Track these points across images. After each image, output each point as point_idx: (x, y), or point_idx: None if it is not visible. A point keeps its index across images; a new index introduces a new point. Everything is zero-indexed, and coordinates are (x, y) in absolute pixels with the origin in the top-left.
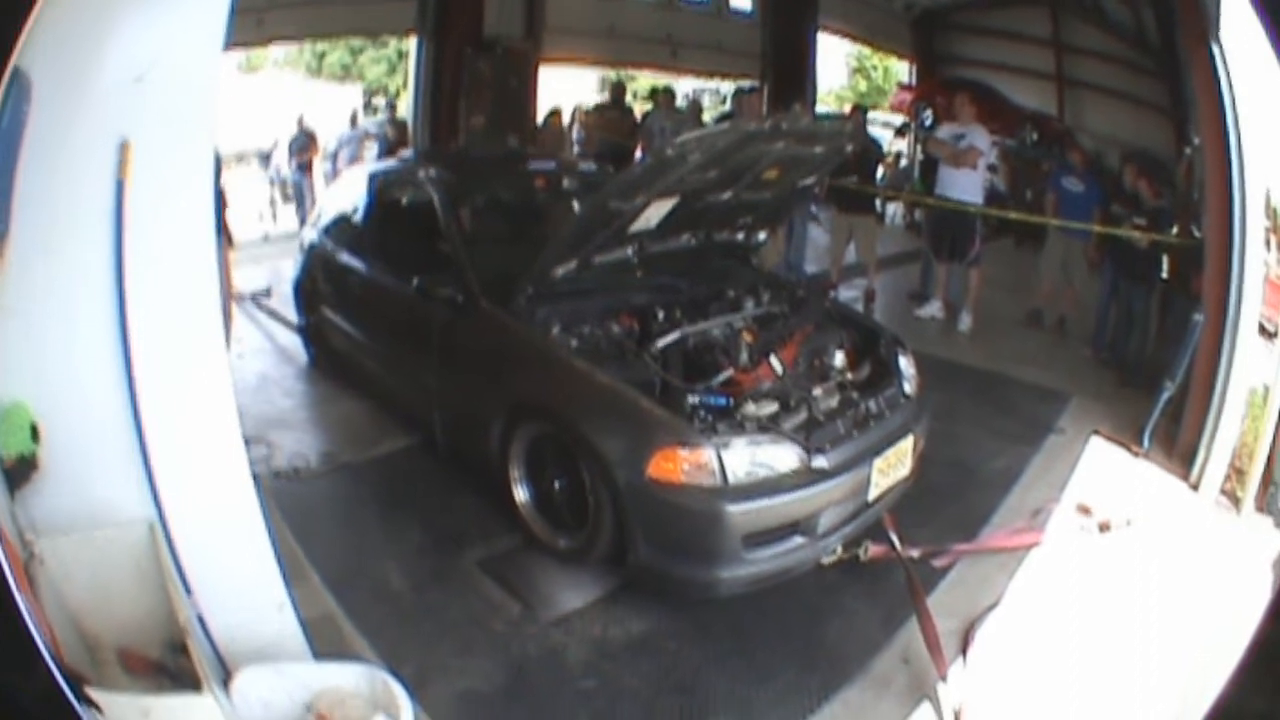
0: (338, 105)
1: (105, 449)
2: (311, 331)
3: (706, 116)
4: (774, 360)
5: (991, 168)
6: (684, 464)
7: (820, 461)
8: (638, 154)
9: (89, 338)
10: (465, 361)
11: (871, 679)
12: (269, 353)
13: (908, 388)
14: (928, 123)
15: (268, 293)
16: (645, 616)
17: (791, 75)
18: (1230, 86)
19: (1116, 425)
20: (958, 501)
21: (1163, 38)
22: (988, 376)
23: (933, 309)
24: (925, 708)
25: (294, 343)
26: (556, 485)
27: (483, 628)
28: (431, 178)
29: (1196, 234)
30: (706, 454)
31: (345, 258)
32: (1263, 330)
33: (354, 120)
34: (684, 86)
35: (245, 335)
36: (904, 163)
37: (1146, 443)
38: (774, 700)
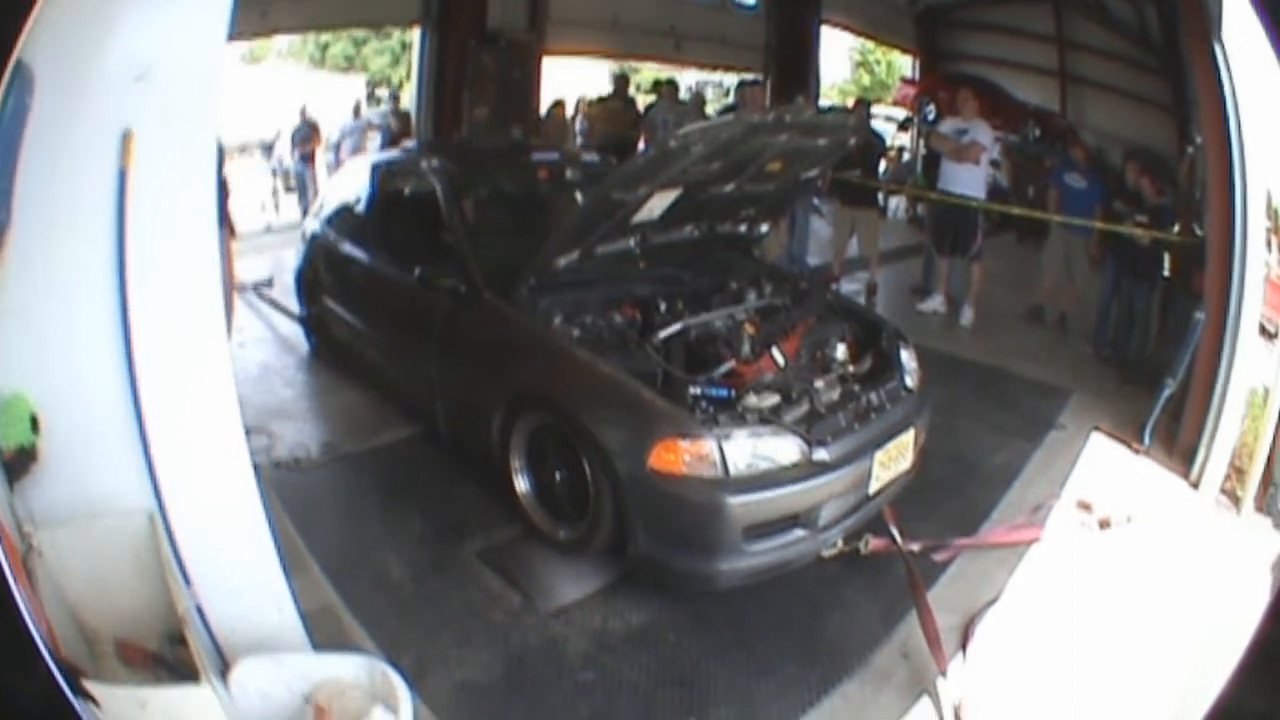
0: (341, 96)
1: (105, 440)
2: (313, 321)
3: (709, 109)
4: (776, 352)
5: (994, 163)
6: (685, 455)
7: (821, 454)
8: (640, 146)
9: (90, 328)
10: (467, 352)
11: (871, 673)
12: (270, 343)
13: (909, 381)
14: (930, 117)
15: (269, 283)
16: (645, 608)
17: (795, 69)
18: (1232, 86)
19: (1117, 422)
20: (958, 496)
21: (1165, 36)
22: (989, 371)
23: (935, 303)
24: (925, 703)
25: (295, 333)
26: (557, 476)
27: (482, 619)
28: (434, 168)
29: (1198, 232)
30: (708, 445)
31: (347, 248)
32: (1263, 331)
33: (357, 111)
34: (687, 79)
35: (247, 325)
36: (907, 157)
37: (1147, 440)
38: (774, 693)
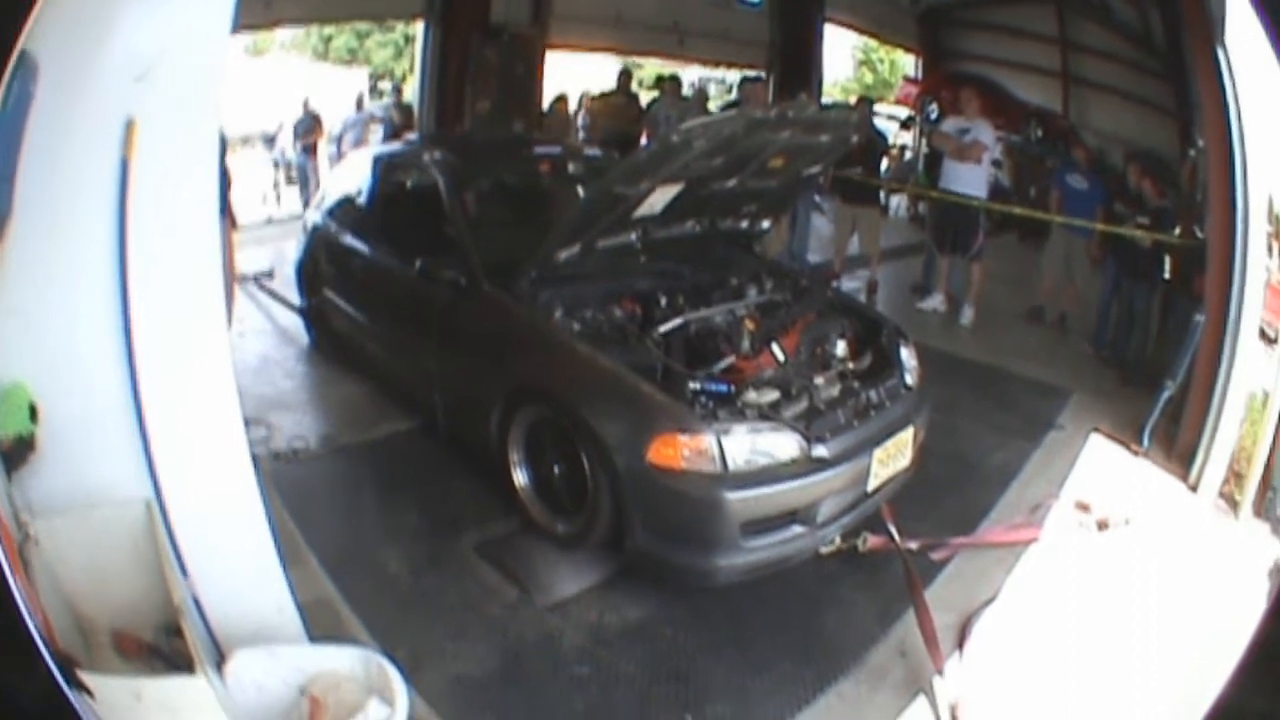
0: (344, 89)
1: (104, 430)
2: (313, 313)
3: (712, 106)
4: (776, 348)
5: (996, 163)
6: (684, 450)
7: (820, 450)
8: (643, 141)
9: (90, 318)
10: (467, 344)
11: (868, 671)
12: (270, 334)
13: (909, 379)
14: (933, 116)
15: (270, 274)
16: (642, 603)
17: (798, 66)
18: (1235, 91)
19: (1116, 423)
20: (957, 495)
21: (1169, 39)
22: (989, 371)
23: (935, 302)
24: (921, 702)
25: (295, 324)
26: (556, 469)
27: (479, 612)
28: (436, 161)
29: (1199, 235)
30: (707, 440)
31: (348, 240)
32: (1263, 335)
33: (359, 104)
34: (690, 75)
35: (247, 316)
36: (909, 155)
37: (1146, 442)
38: (770, 690)
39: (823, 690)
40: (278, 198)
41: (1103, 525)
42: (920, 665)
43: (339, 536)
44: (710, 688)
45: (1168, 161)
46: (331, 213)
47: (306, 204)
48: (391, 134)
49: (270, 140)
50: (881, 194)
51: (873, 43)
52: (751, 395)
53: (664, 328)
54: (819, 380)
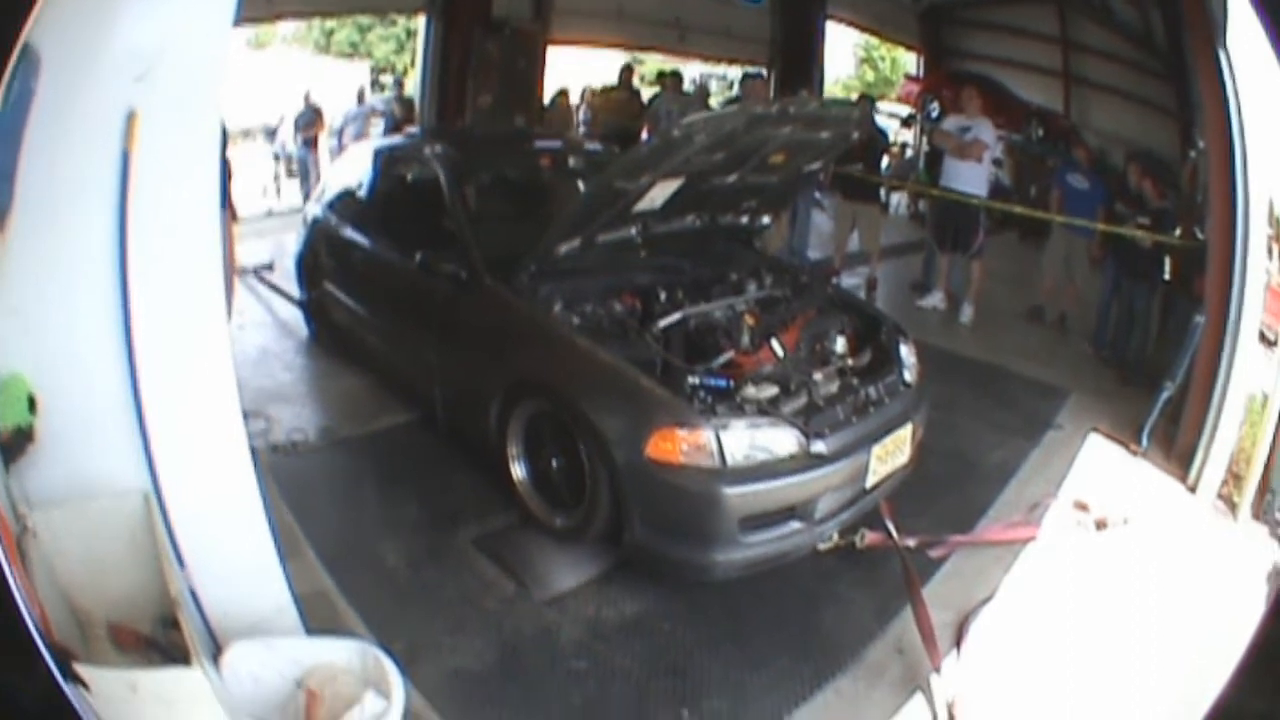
0: (345, 82)
1: (103, 421)
2: (313, 306)
3: (713, 102)
4: (775, 344)
5: (996, 161)
6: (682, 444)
7: (819, 446)
8: (643, 137)
9: (90, 309)
10: (466, 337)
11: (865, 668)
12: (270, 326)
13: (908, 376)
14: (934, 114)
15: (270, 267)
16: (640, 597)
17: (800, 63)
18: (1236, 93)
19: (1115, 423)
20: (955, 492)
21: (1170, 40)
22: (988, 369)
23: (934, 299)
24: (918, 699)
25: (295, 317)
26: (554, 463)
27: (476, 606)
28: (437, 154)
29: (1199, 236)
30: (705, 435)
31: (349, 233)
32: (1263, 338)
33: (361, 97)
34: (691, 71)
35: (246, 309)
36: (909, 153)
37: (1145, 442)
38: (767, 687)
39: (820, 687)
40: (278, 190)
41: (1101, 525)
42: (918, 663)
43: (337, 529)
44: (707, 683)
45: (1168, 162)
46: (332, 206)
47: (307, 197)
48: (393, 128)
49: (271, 133)
50: (882, 191)
51: (874, 40)
52: (750, 390)
53: (663, 322)
54: (818, 376)
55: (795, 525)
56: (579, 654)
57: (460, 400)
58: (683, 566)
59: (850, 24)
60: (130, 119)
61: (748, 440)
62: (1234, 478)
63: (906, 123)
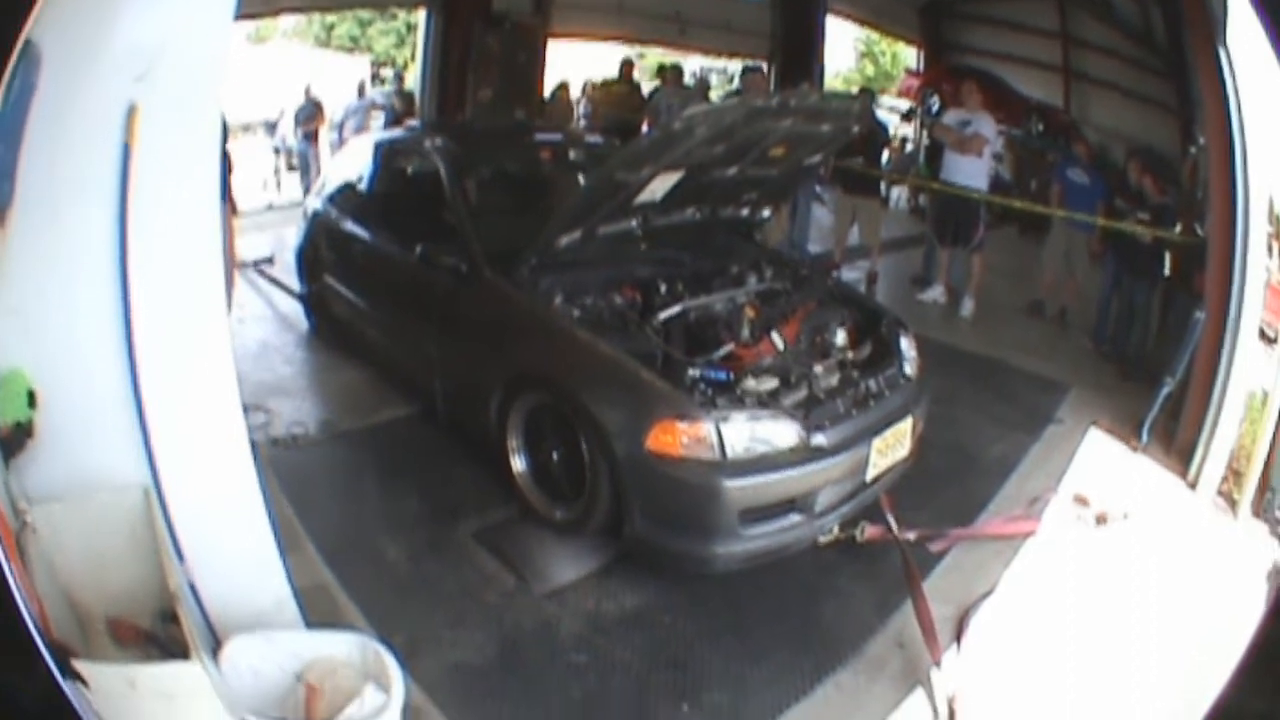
0: (345, 76)
1: (103, 415)
2: (313, 299)
3: (714, 96)
4: (775, 336)
5: (997, 156)
6: (683, 437)
7: (819, 439)
8: (644, 130)
9: (90, 303)
10: (467, 330)
11: (865, 662)
12: (270, 320)
13: (908, 369)
14: (934, 109)
15: (270, 260)
16: (640, 590)
17: (800, 57)
18: (1236, 91)
19: (1116, 418)
20: (955, 486)
21: (1170, 37)
22: (988, 363)
23: (935, 293)
24: (918, 694)
25: (295, 310)
26: (554, 456)
27: (476, 599)
28: (438, 147)
29: (1199, 233)
30: (705, 428)
31: (349, 226)
32: (1263, 335)
33: (361, 91)
34: (691, 65)
35: (247, 302)
36: (909, 147)
37: (1145, 437)
38: (767, 680)
39: (820, 680)
40: (278, 184)
41: (1101, 520)
42: (918, 657)
43: (337, 523)
44: (708, 676)
45: (1169, 159)
46: (332, 199)
47: (307, 190)
48: (393, 121)
49: (271, 127)
50: (882, 185)
51: (875, 35)
52: (751, 383)
53: (664, 315)
54: (818, 369)
55: (795, 518)
56: (579, 647)
57: (460, 393)
58: (683, 559)
59: (850, 18)
60: (131, 113)
61: (748, 433)
62: (1234, 475)
63: (907, 117)
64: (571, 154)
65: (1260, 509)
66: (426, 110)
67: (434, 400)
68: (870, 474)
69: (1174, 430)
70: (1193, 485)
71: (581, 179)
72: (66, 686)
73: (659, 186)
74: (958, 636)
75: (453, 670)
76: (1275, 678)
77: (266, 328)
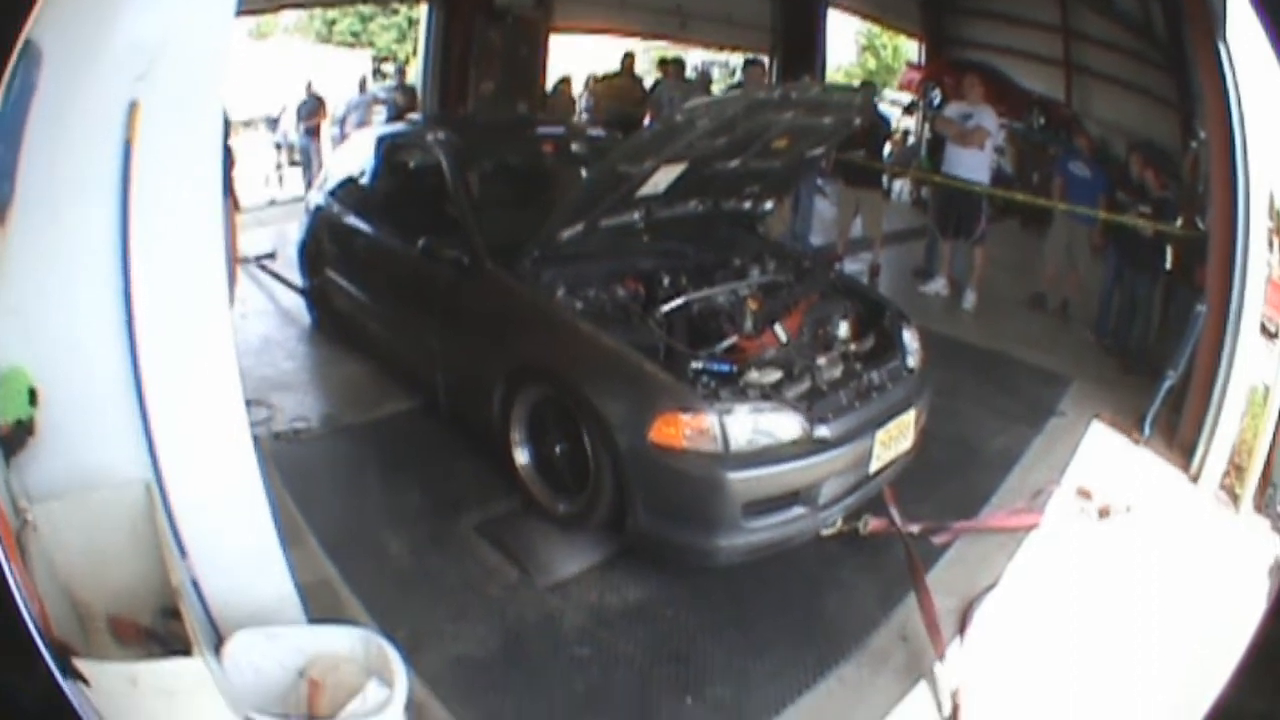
0: (347, 71)
1: (105, 411)
2: (315, 294)
3: (715, 89)
4: (778, 328)
5: (998, 149)
6: (686, 429)
7: (822, 431)
8: (646, 123)
9: (92, 299)
10: (469, 324)
11: (869, 655)
12: (272, 315)
13: (911, 361)
14: (935, 101)
15: (272, 255)
16: (643, 584)
17: (801, 50)
18: (1236, 86)
19: (1118, 411)
20: (958, 479)
21: (1170, 31)
22: (990, 355)
23: (937, 286)
24: (922, 687)
25: (297, 305)
26: (557, 449)
27: (479, 593)
28: (440, 141)
29: (1200, 226)
30: (709, 420)
31: (351, 220)
32: (1264, 330)
33: (363, 86)
34: (693, 59)
35: (249, 297)
36: (911, 140)
37: (1147, 431)
38: (770, 674)
39: (823, 674)
40: (280, 179)
41: (1104, 513)
42: (922, 650)
43: (339, 517)
44: (711, 669)
45: (1170, 152)
46: (334, 193)
47: (309, 185)
48: (395, 116)
49: (273, 123)
50: (884, 178)
51: (876, 28)
52: (754, 375)
53: (667, 307)
54: (821, 361)
55: (799, 510)
56: (582, 640)
57: (463, 386)
58: (686, 552)
59: (852, 11)
60: (132, 109)
61: (751, 425)
62: (1236, 469)
63: (909, 110)
64: (574, 147)
65: (1262, 504)
66: (428, 105)
67: (436, 394)
68: (873, 466)
69: (1176, 424)
70: (1195, 479)
71: (584, 172)
72: (66, 686)
73: (661, 179)
74: (961, 629)
75: (455, 664)
76: (1275, 678)
77: (268, 322)
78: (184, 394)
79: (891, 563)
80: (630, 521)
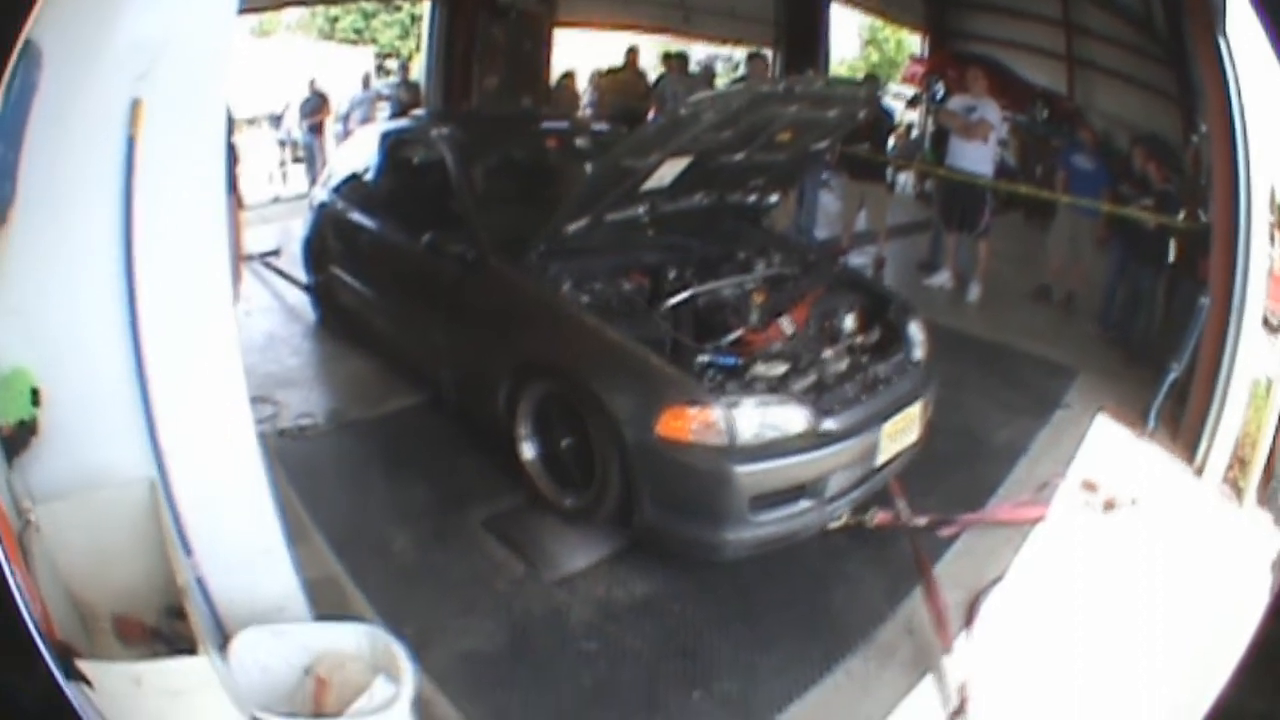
0: (350, 68)
1: (109, 410)
2: (320, 290)
3: (719, 83)
4: (784, 322)
5: (1002, 142)
6: (693, 423)
7: (829, 424)
8: (650, 117)
9: (94, 299)
10: (474, 319)
11: (876, 649)
12: (277, 311)
13: (917, 353)
14: (939, 95)
15: (276, 253)
16: (650, 578)
17: (805, 44)
18: (1236, 80)
19: (1123, 403)
20: (964, 471)
21: (1170, 26)
22: (995, 348)
23: (942, 278)
24: (929, 680)
25: (302, 302)
26: (564, 443)
27: (486, 587)
28: (444, 136)
29: (1203, 219)
30: (715, 413)
31: (356, 216)
32: (1266, 324)
33: (366, 82)
34: (697, 53)
35: (253, 295)
36: (915, 133)
37: (1152, 423)
38: (777, 668)
39: (830, 668)
40: (284, 177)
41: (1109, 506)
42: (928, 643)
43: (345, 513)
44: (718, 664)
45: (1172, 146)
46: (339, 189)
47: (313, 182)
48: (398, 112)
49: (276, 120)
50: (888, 171)
51: (879, 22)
52: (760, 368)
53: (672, 301)
54: (827, 354)
55: (805, 504)
56: (589, 635)
57: (469, 381)
58: (693, 546)
59: (855, 5)
60: (135, 106)
61: (758, 418)
62: (1239, 462)
63: (912, 103)
64: (578, 141)
65: (1265, 498)
66: (432, 101)
67: (442, 389)
68: (880, 459)
69: (1181, 416)
70: (1199, 472)
71: (588, 166)
72: (69, 689)
73: (666, 172)
74: (968, 622)
75: (462, 659)
76: (1275, 678)
77: (273, 319)
78: (189, 391)
79: (898, 556)
80: (637, 515)
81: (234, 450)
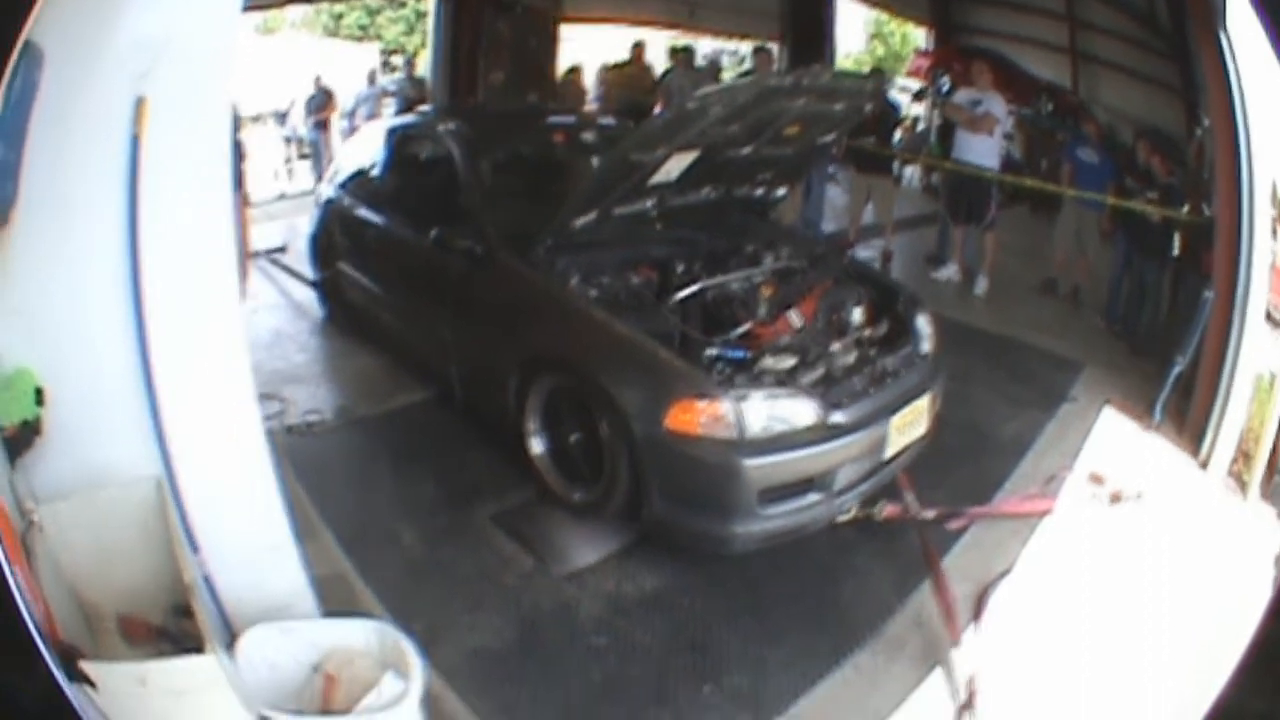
0: (355, 65)
1: (115, 408)
2: (327, 286)
3: (725, 77)
4: (792, 315)
5: (1007, 135)
6: (701, 416)
7: (837, 417)
8: (656, 111)
9: (100, 297)
10: (482, 314)
11: (884, 642)
12: (284, 308)
13: (925, 346)
14: (945, 88)
15: (283, 249)
16: (659, 572)
17: (810, 38)
18: (1238, 75)
19: (1128, 396)
20: (971, 464)
21: (1173, 21)
22: (1002, 341)
23: (949, 271)
24: (938, 673)
25: (309, 298)
26: (572, 438)
27: (495, 582)
28: (451, 131)
29: (1207, 212)
30: (724, 406)
31: (362, 211)
32: (1269, 318)
33: (372, 79)
34: (703, 48)
35: (260, 291)
36: (921, 127)
37: (1158, 416)
38: (786, 662)
39: (839, 662)
40: (290, 173)
41: (1115, 499)
42: (937, 636)
43: (353, 510)
44: (727, 658)
45: (1176, 139)
46: (345, 186)
47: (319, 179)
48: (404, 108)
49: (282, 117)
50: (895, 164)
51: (884, 16)
52: (769, 361)
53: (681, 294)
54: (836, 347)
55: (814, 497)
56: (598, 630)
57: (477, 377)
58: (702, 539)
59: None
60: (139, 105)
61: (766, 411)
62: (1244, 456)
63: (918, 96)
64: (585, 136)
65: (1269, 492)
66: (438, 97)
67: (450, 384)
68: (888, 452)
69: (1186, 410)
70: (1204, 466)
71: (595, 161)
72: (72, 690)
73: (674, 167)
74: (977, 615)
75: (472, 655)
76: (1275, 678)
77: (280, 316)
78: (195, 389)
79: (906, 549)
80: (646, 509)
81: (241, 447)
